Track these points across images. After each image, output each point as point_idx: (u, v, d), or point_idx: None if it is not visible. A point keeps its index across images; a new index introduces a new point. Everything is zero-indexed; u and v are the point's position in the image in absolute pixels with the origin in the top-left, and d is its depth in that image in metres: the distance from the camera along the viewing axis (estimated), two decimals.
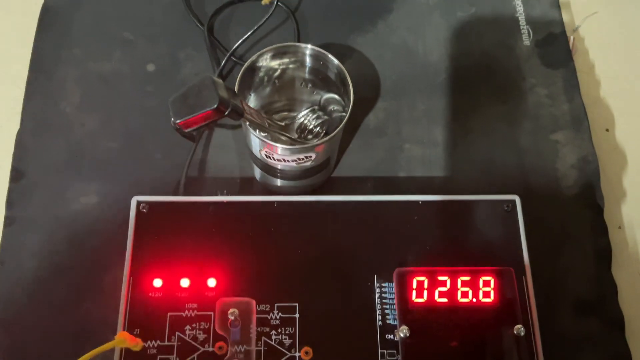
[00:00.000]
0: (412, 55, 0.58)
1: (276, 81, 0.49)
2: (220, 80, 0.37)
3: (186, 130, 0.36)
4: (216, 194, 0.49)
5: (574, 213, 0.52)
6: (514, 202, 0.46)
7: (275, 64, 0.47)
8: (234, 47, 0.55)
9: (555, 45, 0.59)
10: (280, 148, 0.41)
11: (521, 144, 0.54)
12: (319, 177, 0.49)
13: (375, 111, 0.55)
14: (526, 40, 0.59)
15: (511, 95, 0.57)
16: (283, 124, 0.48)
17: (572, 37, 0.60)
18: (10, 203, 0.50)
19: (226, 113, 0.36)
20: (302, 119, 0.49)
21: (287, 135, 0.47)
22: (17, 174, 0.51)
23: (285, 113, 0.52)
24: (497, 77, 0.58)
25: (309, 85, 0.49)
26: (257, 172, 0.50)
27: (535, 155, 0.54)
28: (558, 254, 0.50)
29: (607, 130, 0.57)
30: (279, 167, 0.45)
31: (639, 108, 0.58)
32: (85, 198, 0.50)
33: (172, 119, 0.36)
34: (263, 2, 0.58)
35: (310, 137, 0.49)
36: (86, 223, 0.49)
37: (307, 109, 0.49)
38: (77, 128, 0.53)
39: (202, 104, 0.35)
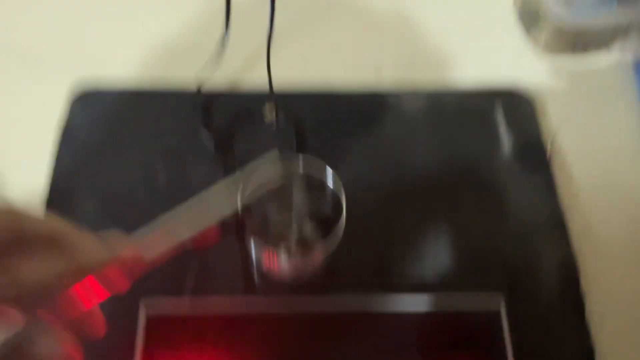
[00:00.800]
0: (402, 165, 0.63)
1: (275, 190, 0.53)
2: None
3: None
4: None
5: (556, 315, 0.54)
6: (498, 302, 0.49)
7: (274, 173, 0.52)
8: (239, 161, 0.61)
9: (534, 153, 0.64)
10: (280, 261, 0.46)
11: (504, 247, 0.58)
12: (314, 284, 0.53)
13: (368, 217, 0.60)
14: (506, 149, 0.65)
15: (494, 200, 0.61)
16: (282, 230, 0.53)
17: (549, 146, 0.65)
18: None
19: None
20: (301, 229, 0.53)
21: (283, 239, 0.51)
22: None
23: (284, 217, 0.56)
24: (480, 182, 0.62)
25: (306, 193, 0.54)
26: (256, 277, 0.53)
27: (519, 258, 0.57)
28: (541, 353, 0.52)
29: (585, 231, 0.60)
30: (278, 274, 0.49)
31: (616, 210, 0.62)
32: None
33: None
34: (265, 119, 0.65)
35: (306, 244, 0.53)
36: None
37: (305, 218, 0.54)
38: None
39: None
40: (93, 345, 0.50)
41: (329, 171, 0.49)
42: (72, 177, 0.61)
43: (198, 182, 0.61)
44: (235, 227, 0.45)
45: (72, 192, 0.60)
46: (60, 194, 0.60)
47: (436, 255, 0.58)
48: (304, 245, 0.51)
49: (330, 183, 0.50)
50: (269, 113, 0.65)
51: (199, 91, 0.66)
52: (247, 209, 0.47)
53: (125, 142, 0.64)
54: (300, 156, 0.50)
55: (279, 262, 0.46)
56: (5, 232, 0.28)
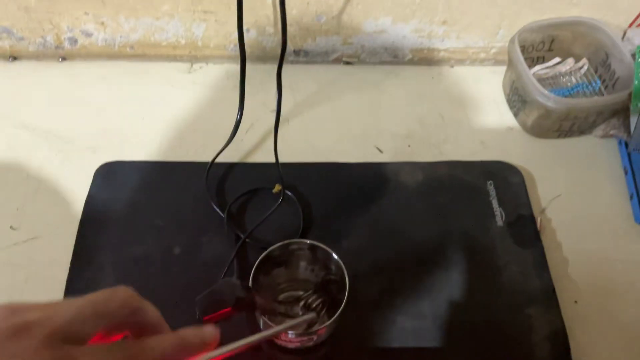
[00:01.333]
0: (400, 234, 0.68)
1: (284, 267, 0.58)
2: (238, 281, 0.46)
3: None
4: None
5: None
6: None
7: (283, 254, 0.56)
8: (249, 231, 0.65)
9: (525, 226, 0.69)
10: (288, 334, 0.49)
11: (498, 317, 0.62)
12: (319, 353, 0.56)
13: (369, 285, 0.63)
14: (499, 222, 0.69)
15: (488, 271, 0.65)
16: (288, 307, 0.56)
17: (539, 219, 0.70)
18: None
19: (241, 310, 0.44)
20: (306, 299, 0.57)
21: (292, 315, 0.55)
22: None
23: (291, 292, 0.60)
24: (475, 254, 0.66)
25: (312, 269, 0.58)
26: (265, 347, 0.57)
27: (511, 328, 0.61)
28: None
29: (575, 302, 0.64)
30: (283, 345, 0.52)
31: (605, 281, 0.66)
32: None
33: (197, 314, 0.44)
34: (274, 191, 0.70)
35: (312, 313, 0.57)
36: None
37: (310, 290, 0.58)
38: None
39: (221, 303, 0.44)
40: None
41: (334, 256, 0.53)
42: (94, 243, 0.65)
43: (209, 250, 0.65)
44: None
45: (93, 257, 0.64)
46: (84, 259, 0.64)
47: (435, 324, 0.61)
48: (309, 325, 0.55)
49: (334, 267, 0.54)
50: (277, 185, 0.69)
51: (212, 162, 0.71)
52: (256, 289, 0.51)
53: (142, 211, 0.68)
54: (307, 241, 0.55)
55: (286, 338, 0.50)
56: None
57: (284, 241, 0.54)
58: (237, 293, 0.44)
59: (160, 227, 0.67)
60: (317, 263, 0.57)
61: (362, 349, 0.59)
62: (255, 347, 0.53)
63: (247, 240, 0.65)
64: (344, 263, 0.53)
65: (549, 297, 0.63)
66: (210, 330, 0.36)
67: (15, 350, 0.27)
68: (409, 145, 0.77)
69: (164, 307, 0.61)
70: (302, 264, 0.58)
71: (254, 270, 0.51)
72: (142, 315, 0.34)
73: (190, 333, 0.35)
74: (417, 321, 0.61)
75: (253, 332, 0.57)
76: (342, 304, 0.50)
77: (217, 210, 0.68)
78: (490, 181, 0.72)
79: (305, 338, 0.50)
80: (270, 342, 0.53)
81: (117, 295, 0.33)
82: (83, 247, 0.65)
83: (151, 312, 0.34)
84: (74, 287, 0.62)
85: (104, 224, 0.67)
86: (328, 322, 0.49)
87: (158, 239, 0.66)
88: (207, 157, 0.72)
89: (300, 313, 0.56)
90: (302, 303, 0.57)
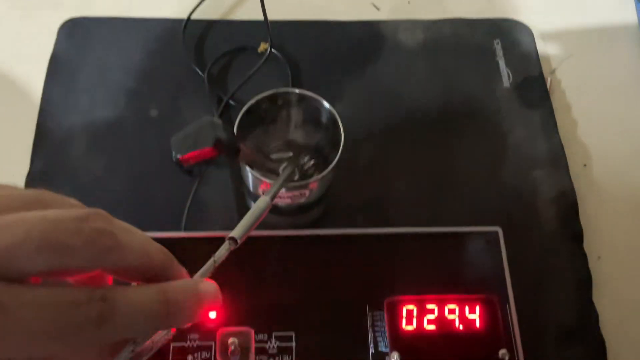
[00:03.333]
0: (399, 98, 0.62)
1: (272, 124, 0.52)
2: (219, 121, 0.40)
3: (186, 166, 0.39)
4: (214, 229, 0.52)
5: (555, 245, 0.55)
6: (496, 233, 0.49)
7: (270, 108, 0.50)
8: (232, 92, 0.59)
9: (534, 87, 0.63)
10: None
11: (503, 181, 0.57)
12: (312, 214, 0.52)
13: (364, 151, 0.59)
14: (506, 83, 0.63)
15: (493, 134, 0.60)
16: (279, 165, 0.51)
17: (549, 79, 0.64)
18: None
19: (222, 152, 0.39)
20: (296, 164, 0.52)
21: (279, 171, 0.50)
22: None
23: (281, 154, 0.55)
24: (479, 117, 0.61)
25: (303, 127, 0.53)
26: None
27: (517, 191, 0.57)
28: (540, 284, 0.52)
29: (584, 165, 0.60)
30: (275, 203, 0.48)
31: (615, 144, 0.61)
32: None
33: (173, 154, 0.39)
34: (259, 50, 0.63)
35: (304, 176, 0.52)
36: None
37: (302, 151, 0.52)
38: (83, 172, 0.56)
39: (200, 142, 0.38)
40: None
41: (326, 105, 0.48)
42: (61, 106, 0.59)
43: (188, 113, 0.59)
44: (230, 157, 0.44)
45: (61, 121, 0.58)
46: (49, 125, 0.58)
47: (433, 190, 0.57)
48: (300, 178, 0.50)
49: (326, 117, 0.49)
50: (263, 44, 0.63)
51: (188, 19, 0.64)
52: (242, 139, 0.46)
53: (112, 72, 0.61)
54: (297, 90, 0.49)
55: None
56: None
57: (270, 91, 0.48)
58: (217, 133, 0.38)
59: (134, 90, 0.61)
60: (308, 120, 0.52)
61: (355, 211, 0.55)
62: None
63: (230, 102, 0.59)
64: None
65: (557, 159, 0.59)
66: (209, 287, 0.27)
67: None
68: (409, 2, 0.70)
69: (141, 172, 0.57)
70: (292, 122, 0.53)
71: (238, 124, 0.46)
72: (118, 258, 0.23)
73: (180, 291, 0.25)
74: (415, 186, 0.57)
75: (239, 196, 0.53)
76: (334, 161, 0.45)
77: (197, 70, 0.61)
78: (497, 40, 0.66)
79: (297, 193, 0.45)
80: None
81: (85, 226, 0.22)
82: (49, 111, 0.59)
83: (136, 252, 0.24)
84: (41, 149, 0.56)
85: (71, 86, 0.60)
86: (323, 173, 0.44)
87: (132, 102, 0.60)
88: (183, 14, 0.65)
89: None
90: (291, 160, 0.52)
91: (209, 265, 0.32)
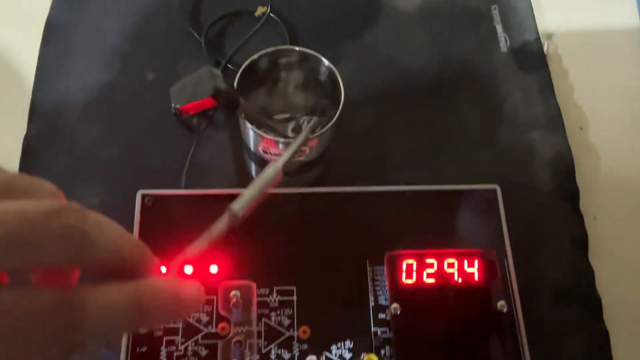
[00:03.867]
0: (397, 62, 0.62)
1: (271, 85, 0.52)
2: (219, 72, 0.40)
3: (185, 117, 0.39)
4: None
5: (551, 205, 0.55)
6: (494, 191, 0.49)
7: (270, 67, 0.50)
8: (230, 55, 0.59)
9: (531, 52, 0.63)
10: (276, 142, 0.45)
11: (500, 144, 0.58)
12: (311, 174, 0.52)
13: (363, 114, 0.59)
14: (503, 47, 0.63)
15: (490, 98, 0.60)
16: (279, 124, 0.51)
17: (546, 44, 0.64)
18: None
19: (221, 103, 0.39)
20: (298, 120, 0.52)
21: (282, 132, 0.50)
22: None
23: (281, 115, 0.55)
24: (476, 82, 0.61)
25: (303, 88, 0.53)
26: (254, 169, 0.53)
27: (513, 153, 0.57)
28: (537, 244, 0.53)
29: (581, 129, 0.60)
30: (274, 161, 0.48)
31: (611, 108, 0.62)
32: (90, 199, 0.53)
33: (172, 104, 0.39)
34: (256, 14, 0.63)
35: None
36: None
37: (302, 111, 0.52)
38: (80, 135, 0.56)
39: (199, 92, 0.38)
40: None
41: (326, 62, 0.48)
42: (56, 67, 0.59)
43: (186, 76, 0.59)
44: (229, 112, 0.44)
45: (56, 87, 0.58)
46: (46, 89, 0.57)
47: (432, 152, 0.57)
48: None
49: (326, 75, 0.49)
50: (261, 7, 0.62)
51: None
52: (242, 95, 0.46)
53: (107, 35, 0.61)
54: (297, 48, 0.48)
55: (273, 151, 0.45)
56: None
57: (271, 48, 0.48)
58: (217, 83, 0.38)
59: (130, 54, 0.60)
60: (308, 80, 0.52)
61: (354, 172, 0.55)
62: None
63: (228, 65, 0.59)
64: None
65: (554, 122, 0.59)
66: (190, 290, 0.24)
67: None
68: None
69: (139, 134, 0.57)
70: (292, 82, 0.53)
71: (237, 83, 0.46)
72: (88, 256, 0.21)
73: (157, 292, 0.23)
74: (412, 149, 0.57)
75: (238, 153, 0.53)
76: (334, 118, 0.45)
77: (194, 33, 0.61)
78: (494, 5, 0.66)
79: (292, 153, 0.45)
80: (259, 159, 0.49)
81: (54, 222, 0.20)
82: (46, 75, 0.58)
83: (108, 249, 0.22)
84: (38, 113, 0.56)
85: (67, 50, 0.60)
86: (323, 130, 0.44)
87: (129, 66, 0.60)
88: None
89: (291, 135, 0.51)
90: (292, 124, 0.52)
91: (204, 238, 0.31)
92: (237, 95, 0.40)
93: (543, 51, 0.63)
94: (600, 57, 0.65)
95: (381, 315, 0.44)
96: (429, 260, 0.45)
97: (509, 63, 0.63)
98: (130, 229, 0.46)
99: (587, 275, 0.53)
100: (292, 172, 0.50)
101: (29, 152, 0.54)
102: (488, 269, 0.45)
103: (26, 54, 0.59)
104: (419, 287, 0.44)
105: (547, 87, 0.61)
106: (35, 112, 0.56)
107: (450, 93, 0.61)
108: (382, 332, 0.44)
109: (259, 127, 0.46)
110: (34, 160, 0.54)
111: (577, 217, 0.55)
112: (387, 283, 0.44)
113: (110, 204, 0.52)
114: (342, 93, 0.46)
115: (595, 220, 0.56)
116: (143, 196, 0.47)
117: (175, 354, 0.42)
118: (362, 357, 0.42)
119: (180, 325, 0.43)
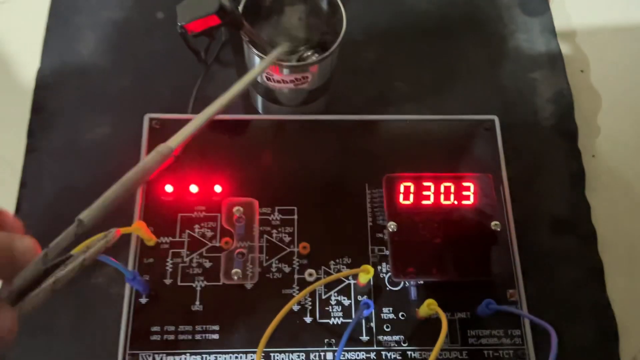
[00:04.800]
0: (401, 2, 0.63)
1: (276, 17, 0.53)
2: None
3: (190, 35, 0.41)
4: None
5: (550, 141, 0.56)
6: (493, 121, 0.50)
7: (274, 3, 0.51)
8: None
9: None
10: (278, 67, 0.46)
11: (501, 82, 0.59)
12: (315, 106, 0.53)
13: (366, 53, 0.60)
14: None
15: (492, 40, 0.61)
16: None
17: None
18: (31, 132, 0.54)
19: (226, 22, 0.40)
20: (301, 53, 0.53)
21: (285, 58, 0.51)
22: (37, 107, 0.55)
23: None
24: (479, 24, 0.62)
25: (307, 22, 0.54)
26: (259, 103, 0.54)
27: (514, 91, 0.58)
28: (535, 178, 0.54)
29: (582, 71, 0.61)
30: (278, 89, 0.49)
31: (611, 52, 0.62)
32: (100, 129, 0.54)
33: (178, 23, 0.40)
34: None
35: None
36: (101, 150, 0.53)
37: (305, 45, 0.54)
38: (91, 68, 0.57)
39: (204, 9, 0.40)
40: (105, 162, 0.52)
41: None
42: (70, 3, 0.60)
43: None
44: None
45: (70, 19, 0.59)
46: (59, 23, 0.59)
47: (434, 89, 0.58)
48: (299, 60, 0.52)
49: (327, 3, 0.50)
50: None
51: None
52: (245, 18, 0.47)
53: None
54: None
55: (276, 77, 0.47)
56: None
57: None
58: (221, 0, 0.39)
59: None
60: (311, 12, 0.53)
61: (357, 107, 0.56)
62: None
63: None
64: None
65: (555, 62, 0.60)
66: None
67: None
68: None
69: (147, 69, 0.58)
70: (295, 15, 0.54)
71: (242, 10, 0.47)
72: None
73: None
74: (415, 88, 0.58)
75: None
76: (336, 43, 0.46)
77: None
78: None
79: (298, 76, 0.47)
80: (262, 89, 0.50)
81: None
82: (59, 9, 0.60)
83: None
84: (51, 46, 0.58)
85: None
86: (324, 55, 0.46)
87: (138, 3, 0.61)
88: None
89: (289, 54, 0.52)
90: (295, 57, 0.53)
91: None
92: (240, 15, 0.42)
93: None
94: (603, 2, 0.66)
95: (378, 235, 0.46)
96: (426, 183, 0.46)
97: (512, 6, 0.63)
98: (138, 151, 0.48)
99: (584, 208, 0.54)
100: (296, 103, 0.52)
101: (43, 85, 0.56)
102: (483, 191, 0.46)
103: None
104: (416, 207, 0.45)
105: (549, 29, 0.62)
106: (48, 47, 0.58)
107: (454, 33, 0.62)
108: (378, 250, 0.45)
109: (262, 51, 0.48)
110: (46, 91, 0.56)
111: (575, 154, 0.56)
112: (385, 204, 0.46)
113: (121, 131, 0.54)
114: (343, 22, 0.47)
115: (593, 158, 0.57)
116: (150, 119, 0.49)
117: (180, 265, 0.44)
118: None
119: (185, 240, 0.45)
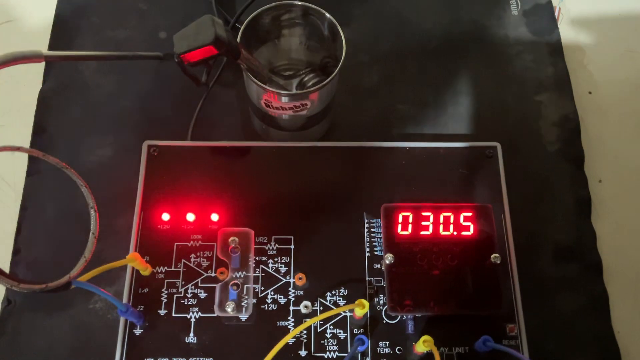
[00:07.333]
0: (405, 23, 0.62)
1: (276, 41, 0.53)
2: (220, 20, 0.41)
3: (187, 64, 0.40)
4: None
5: (556, 167, 0.55)
6: (495, 148, 0.49)
7: (273, 23, 0.51)
8: (238, 13, 0.60)
9: (542, 15, 0.63)
10: (278, 94, 0.45)
11: (507, 104, 0.58)
12: (317, 130, 0.53)
13: (369, 74, 0.59)
14: (514, 10, 0.63)
15: (498, 60, 0.60)
16: (282, 78, 0.52)
17: (558, 7, 0.63)
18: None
19: (223, 51, 0.40)
20: (302, 76, 0.53)
21: (285, 87, 0.51)
22: (39, 129, 0.55)
23: (286, 73, 0.56)
24: (485, 44, 0.61)
25: (307, 45, 0.53)
26: (258, 125, 0.54)
27: (520, 115, 0.57)
28: (539, 203, 0.53)
29: (589, 93, 0.60)
30: (277, 115, 0.49)
31: (620, 73, 0.61)
32: (101, 150, 0.54)
33: (175, 53, 0.40)
34: None
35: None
36: (101, 172, 0.53)
37: (306, 68, 0.53)
38: (93, 89, 0.57)
39: (200, 39, 0.39)
40: (105, 184, 0.52)
41: (327, 16, 0.48)
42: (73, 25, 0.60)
43: None
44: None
45: (73, 39, 0.59)
46: (62, 39, 0.59)
47: (438, 112, 0.57)
48: (305, 88, 0.51)
49: (328, 30, 0.49)
50: None
51: None
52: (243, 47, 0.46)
53: None
54: (299, 2, 0.49)
55: (275, 104, 0.46)
56: None
57: (273, 3, 0.48)
58: (217, 30, 0.39)
59: (144, 11, 0.62)
60: (311, 37, 0.52)
61: (359, 131, 0.56)
62: None
63: (236, 24, 0.60)
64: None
65: (562, 85, 0.59)
66: None
67: None
68: None
69: (149, 91, 0.58)
70: (295, 38, 0.53)
71: (240, 37, 0.46)
72: None
73: None
74: (418, 109, 0.57)
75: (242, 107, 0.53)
76: (336, 70, 0.46)
77: None
78: None
79: (297, 103, 0.46)
80: (261, 114, 0.50)
81: None
82: (62, 30, 0.60)
83: None
84: (54, 67, 0.58)
85: (83, 7, 0.61)
86: (323, 83, 0.45)
87: (142, 23, 0.61)
88: None
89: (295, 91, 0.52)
90: (296, 81, 0.53)
91: None
92: (237, 45, 0.41)
93: (554, 15, 0.63)
94: (612, 22, 0.64)
95: (376, 266, 0.45)
96: (425, 213, 0.45)
97: (519, 25, 0.62)
98: (137, 178, 0.48)
99: (589, 236, 0.53)
100: (295, 128, 0.51)
101: (45, 106, 0.56)
102: (484, 222, 0.45)
103: (43, 10, 0.61)
104: (414, 238, 0.45)
105: (556, 50, 0.61)
106: (50, 67, 0.58)
107: (459, 54, 0.61)
108: (376, 282, 0.45)
109: (262, 81, 0.47)
110: (48, 112, 0.56)
111: (582, 179, 0.55)
112: (382, 234, 0.45)
113: (122, 153, 0.53)
114: (343, 49, 0.47)
115: (600, 183, 0.56)
116: (149, 147, 0.48)
117: (175, 296, 0.44)
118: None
119: (181, 269, 0.45)
